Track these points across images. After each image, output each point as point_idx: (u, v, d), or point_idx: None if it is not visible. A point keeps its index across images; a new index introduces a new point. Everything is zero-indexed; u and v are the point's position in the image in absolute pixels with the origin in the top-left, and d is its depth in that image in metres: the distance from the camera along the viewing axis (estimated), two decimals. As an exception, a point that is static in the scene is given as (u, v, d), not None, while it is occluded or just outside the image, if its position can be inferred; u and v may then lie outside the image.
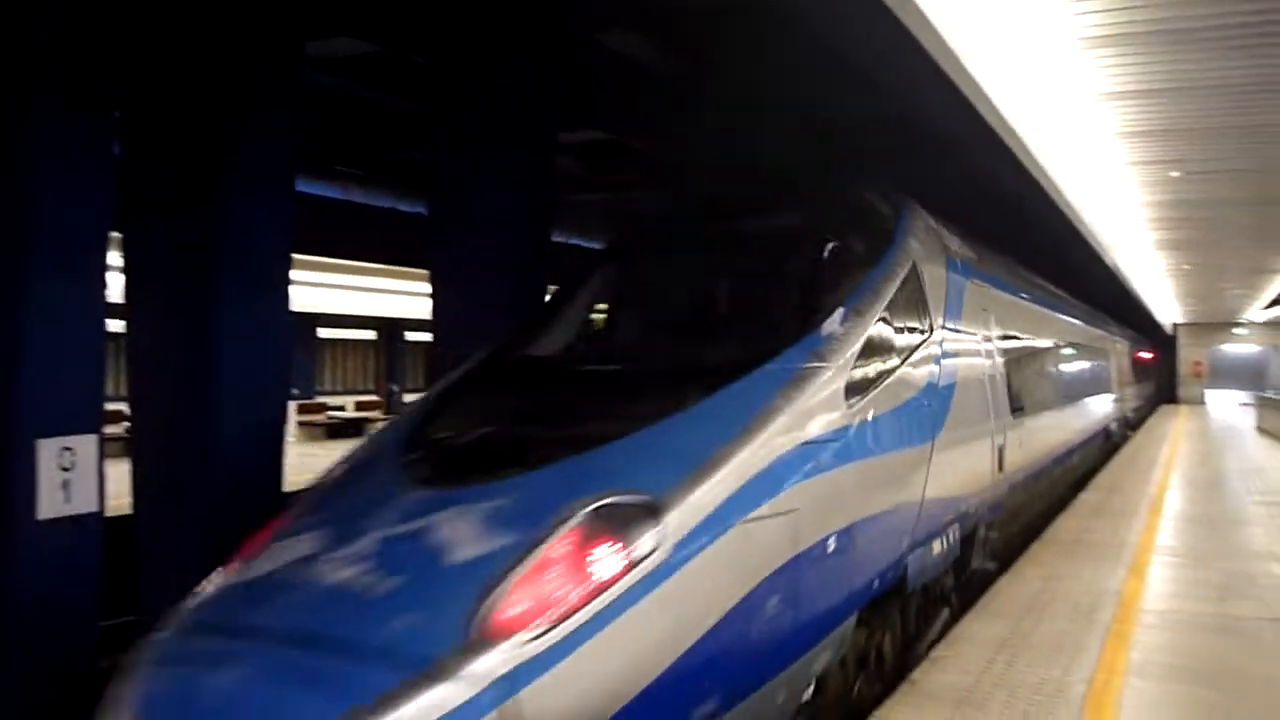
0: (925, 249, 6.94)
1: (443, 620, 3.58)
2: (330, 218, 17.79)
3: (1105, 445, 18.25)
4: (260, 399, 7.17)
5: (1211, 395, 42.31)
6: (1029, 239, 16.96)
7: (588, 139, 15.28)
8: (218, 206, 6.82)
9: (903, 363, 6.02)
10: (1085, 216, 13.43)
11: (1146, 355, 33.14)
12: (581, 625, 3.61)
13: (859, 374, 5.40)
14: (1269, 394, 33.27)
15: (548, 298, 7.54)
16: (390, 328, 34.45)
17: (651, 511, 3.99)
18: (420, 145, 11.06)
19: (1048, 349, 12.23)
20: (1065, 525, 10.90)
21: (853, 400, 5.24)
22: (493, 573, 3.72)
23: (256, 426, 7.15)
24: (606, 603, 3.68)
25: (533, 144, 9.26)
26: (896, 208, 6.97)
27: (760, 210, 6.69)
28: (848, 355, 5.33)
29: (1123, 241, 16.96)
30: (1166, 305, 32.42)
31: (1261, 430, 26.46)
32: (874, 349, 5.67)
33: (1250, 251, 18.96)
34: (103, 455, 5.93)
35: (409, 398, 37.01)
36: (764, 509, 4.37)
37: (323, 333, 35.42)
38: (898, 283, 6.17)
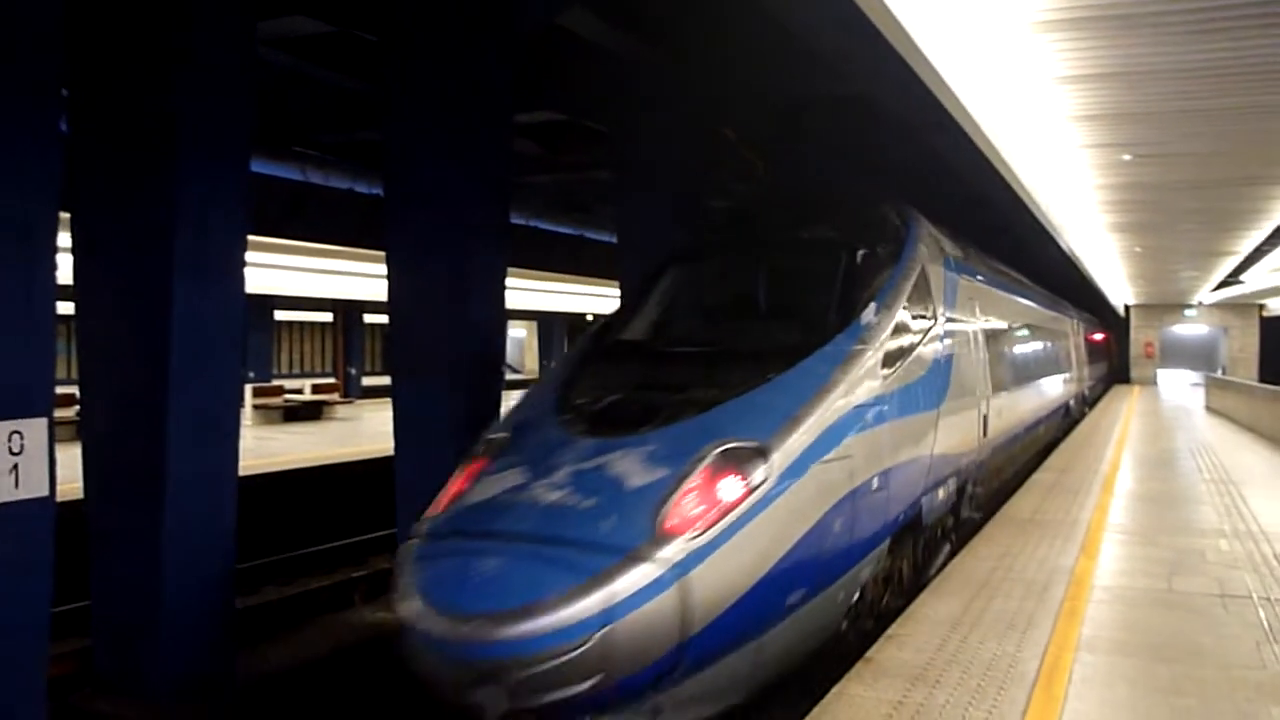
0: (929, 252, 8.53)
1: (633, 525, 5.14)
2: (288, 198, 17.61)
3: (1066, 419, 19.97)
4: (214, 382, 7.09)
5: (1163, 375, 42.98)
6: (984, 220, 17.14)
7: (544, 120, 15.21)
8: (170, 187, 6.72)
9: (918, 345, 7.61)
10: (1040, 199, 13.55)
11: (1101, 337, 33.72)
12: (721, 532, 5.20)
13: (889, 354, 6.98)
14: (1218, 374, 33.92)
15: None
16: (348, 310, 34.12)
17: (760, 453, 5.57)
18: (377, 125, 10.96)
19: (1019, 333, 13.86)
20: (1019, 504, 11.05)
21: (885, 374, 6.84)
22: (659, 495, 5.27)
23: (210, 410, 7.08)
24: (735, 517, 5.28)
25: (488, 124, 9.20)
26: (905, 218, 8.56)
27: (804, 223, 8.26)
28: (881, 339, 6.91)
29: (1077, 224, 17.14)
30: (1119, 287, 32.84)
31: (1210, 409, 26.94)
32: (898, 334, 7.23)
33: (1200, 234, 19.23)
34: (53, 439, 5.84)
35: (368, 381, 36.81)
36: (831, 454, 5.99)
37: (280, 315, 35.08)
38: (912, 281, 7.75)
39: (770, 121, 15.30)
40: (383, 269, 9.68)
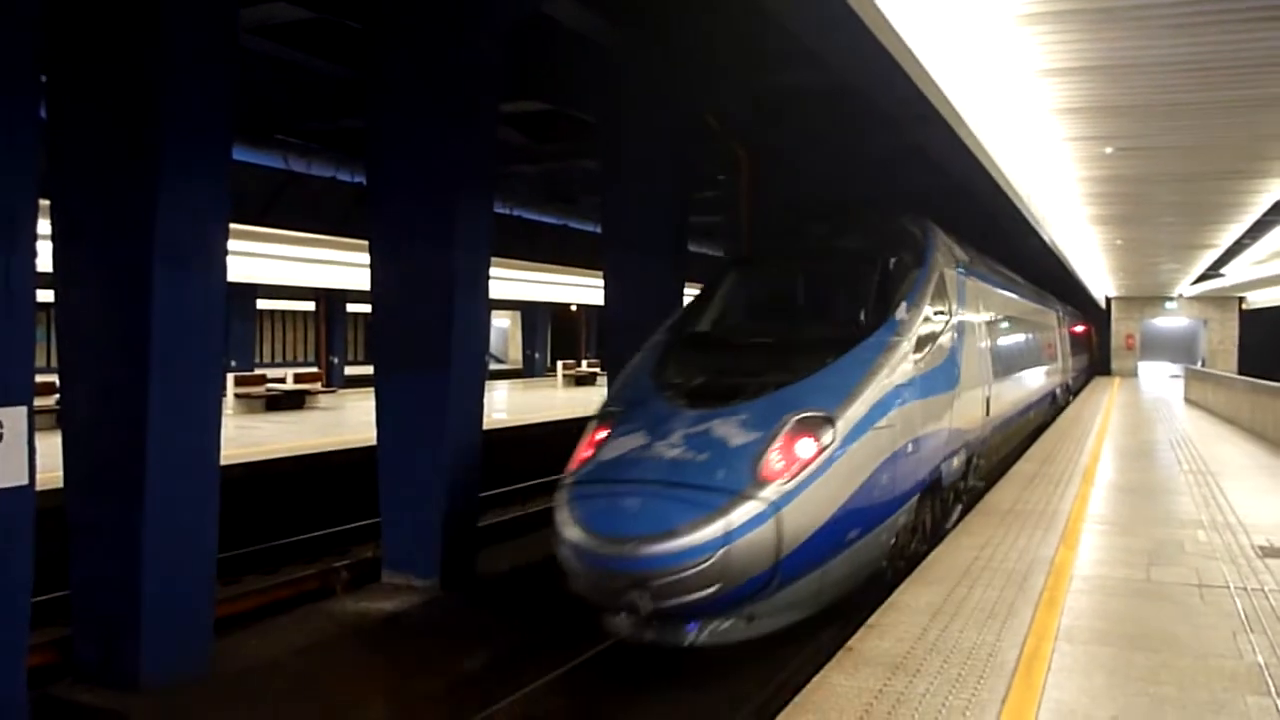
0: (944, 258, 10.06)
1: (739, 473, 6.70)
2: (270, 186, 17.50)
3: (1053, 406, 21.53)
4: (196, 371, 7.05)
5: (1144, 367, 43.22)
6: (967, 210, 17.18)
7: (530, 109, 15.17)
8: (151, 174, 6.67)
9: (939, 337, 9.10)
10: (1023, 191, 13.60)
11: (1082, 329, 33.92)
12: (802, 480, 6.75)
13: (918, 344, 8.50)
14: (1198, 367, 34.13)
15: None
16: (331, 299, 33.97)
17: (828, 421, 7.11)
18: (360, 113, 10.91)
19: (1015, 327, 15.28)
20: (1000, 495, 11.10)
21: (916, 360, 8.37)
22: (755, 451, 6.82)
23: (192, 399, 7.04)
24: (812, 469, 6.84)
25: (473, 113, 9.16)
26: (923, 230, 10.09)
27: (842, 235, 9.89)
28: (912, 332, 8.43)
29: (1059, 216, 17.22)
30: (1101, 279, 33.00)
31: (1190, 401, 27.12)
32: (924, 328, 8.71)
33: (1180, 227, 19.35)
34: (33, 427, 5.80)
35: (351, 370, 36.68)
36: (880, 423, 7.54)
37: (262, 304, 34.88)
38: (933, 283, 9.27)
39: (753, 110, 15.32)
40: (365, 258, 9.64)
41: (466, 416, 9.37)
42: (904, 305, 8.55)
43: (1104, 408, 24.39)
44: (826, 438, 7.01)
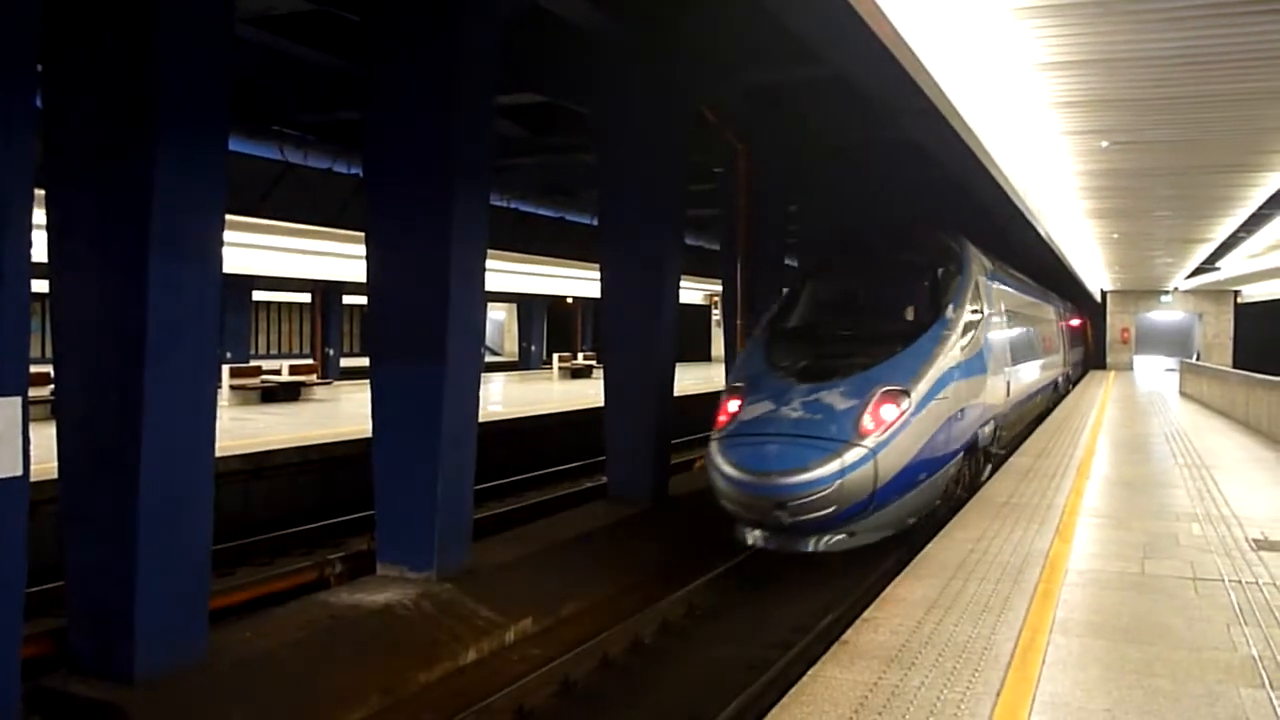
0: (977, 267, 12.55)
1: (846, 428, 9.27)
2: (266, 177, 17.44)
3: (1055, 393, 23.70)
4: (191, 362, 7.02)
5: (1139, 361, 43.27)
6: (965, 205, 17.16)
7: (528, 102, 15.14)
8: (147, 165, 6.63)
9: (975, 330, 11.60)
10: (1019, 184, 13.61)
11: (1078, 323, 34.06)
12: (888, 435, 9.30)
13: (963, 336, 11.02)
14: (1193, 360, 34.17)
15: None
16: (327, 291, 33.94)
17: (905, 392, 9.66)
18: (356, 105, 10.87)
19: (1026, 323, 17.44)
20: (995, 488, 11.14)
21: (962, 347, 10.93)
22: (856, 412, 9.38)
23: (187, 390, 7.02)
24: (895, 427, 9.38)
25: (470, 104, 9.14)
26: (959, 244, 12.60)
27: (901, 248, 12.83)
28: (957, 327, 10.96)
29: (1055, 209, 17.23)
30: (1096, 272, 33.03)
31: (1185, 394, 27.17)
32: (965, 324, 11.20)
33: (1175, 221, 19.37)
34: (27, 418, 5.79)
35: (346, 362, 36.65)
36: (938, 396, 10.13)
37: (257, 295, 34.84)
38: (971, 288, 11.75)
39: (749, 103, 15.30)
40: (361, 249, 9.61)
41: (462, 409, 9.36)
42: (951, 306, 11.20)
43: (1099, 401, 24.43)
44: (904, 404, 9.63)
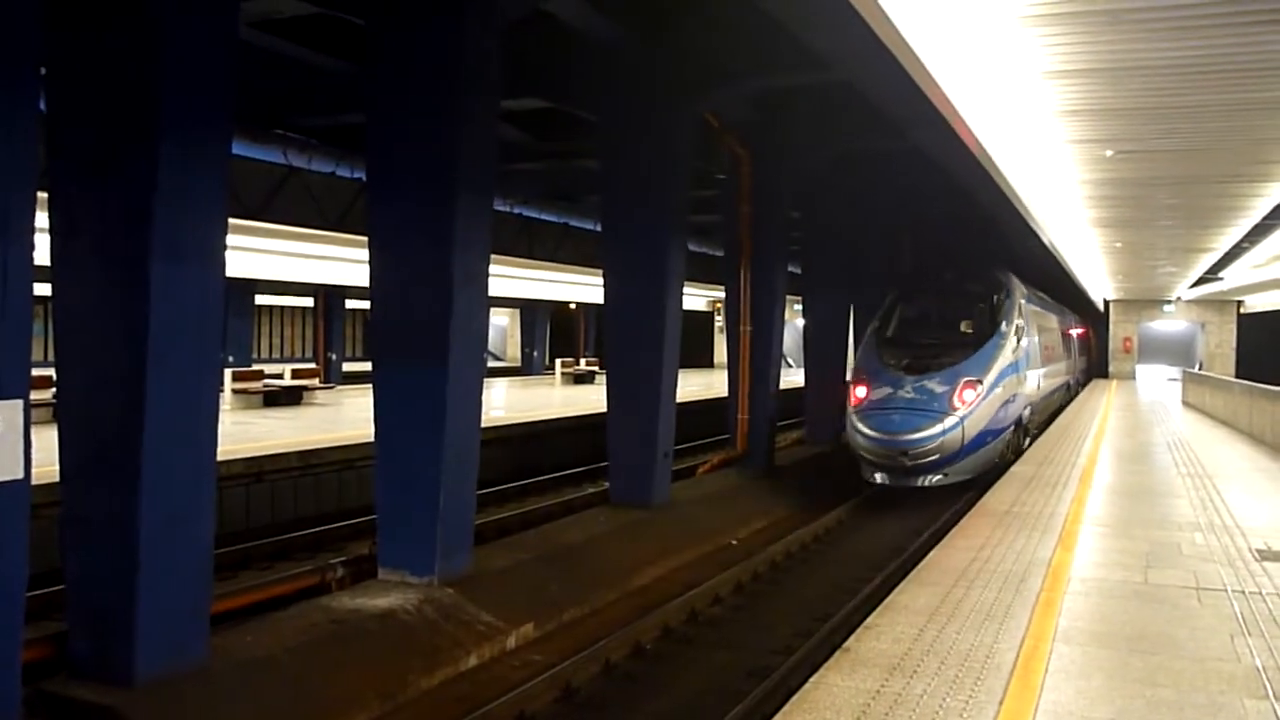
0: (1019, 292, 17.58)
1: (943, 404, 15.02)
2: (270, 181, 17.42)
3: (1067, 394, 27.82)
4: (193, 366, 7.02)
5: (1141, 370, 43.21)
6: (970, 213, 17.16)
7: (532, 107, 15.13)
8: (150, 168, 6.63)
9: (1020, 340, 16.68)
10: (1023, 193, 13.60)
11: (1083, 332, 34.27)
12: (969, 409, 15.02)
13: (1013, 345, 16.35)
14: (1195, 370, 34.12)
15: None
16: (329, 295, 33.94)
17: (979, 381, 15.28)
18: (360, 109, 10.87)
19: (1047, 335, 21.98)
20: (998, 496, 11.12)
21: (1012, 352, 16.23)
22: (949, 394, 15.08)
23: (189, 394, 7.01)
24: (973, 405, 15.09)
25: (474, 108, 9.14)
26: (1006, 276, 17.89)
27: (965, 279, 17.98)
28: (1010, 338, 16.29)
29: (1059, 218, 17.21)
30: (1100, 282, 32.99)
31: (1187, 404, 27.13)
32: (1013, 335, 16.40)
33: (1178, 230, 19.34)
34: (29, 421, 5.78)
35: (348, 367, 36.63)
36: (1000, 385, 15.68)
37: (260, 299, 34.82)
38: (1017, 309, 16.91)
39: (753, 109, 15.29)
40: (364, 254, 9.61)
41: (464, 415, 9.34)
42: (1004, 322, 16.39)
43: (1101, 410, 24.40)
44: (979, 390, 14.97)
